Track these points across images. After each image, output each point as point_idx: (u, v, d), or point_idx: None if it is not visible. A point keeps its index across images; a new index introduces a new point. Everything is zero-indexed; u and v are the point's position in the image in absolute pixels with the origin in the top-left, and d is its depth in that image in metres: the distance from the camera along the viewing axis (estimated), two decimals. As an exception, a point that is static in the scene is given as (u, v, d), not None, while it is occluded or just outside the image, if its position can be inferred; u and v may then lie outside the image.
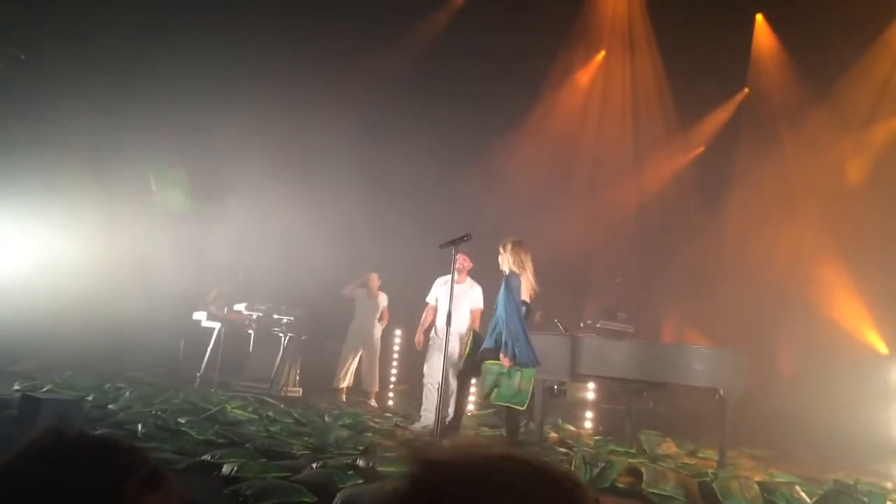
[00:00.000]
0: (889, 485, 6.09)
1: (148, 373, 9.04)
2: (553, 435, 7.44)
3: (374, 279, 9.36)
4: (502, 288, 6.18)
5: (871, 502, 4.87)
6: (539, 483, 0.74)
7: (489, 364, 6.06)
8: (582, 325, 9.03)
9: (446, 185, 11.01)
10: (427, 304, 7.73)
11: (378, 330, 9.33)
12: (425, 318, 7.73)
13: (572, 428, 8.20)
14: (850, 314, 10.17)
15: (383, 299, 9.36)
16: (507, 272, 6.26)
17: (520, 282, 6.18)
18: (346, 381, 9.13)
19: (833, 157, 10.73)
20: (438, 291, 7.59)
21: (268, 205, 10.04)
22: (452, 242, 5.89)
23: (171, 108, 9.70)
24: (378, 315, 9.30)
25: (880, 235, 9.40)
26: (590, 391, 8.84)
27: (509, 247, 6.33)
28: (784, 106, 11.40)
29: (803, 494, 5.01)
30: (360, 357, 9.23)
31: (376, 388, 9.23)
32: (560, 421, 8.24)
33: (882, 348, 9.87)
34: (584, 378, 8.03)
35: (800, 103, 11.03)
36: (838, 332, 10.07)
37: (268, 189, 9.79)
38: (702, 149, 12.48)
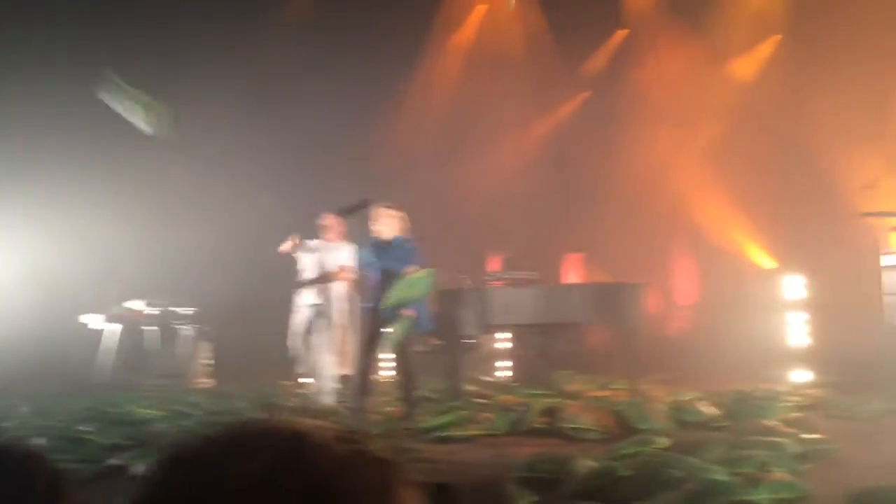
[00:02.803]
0: (783, 388, 6.50)
1: (45, 383, 8.58)
2: (471, 388, 7.54)
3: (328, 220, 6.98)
4: (405, 252, 6.06)
5: (768, 405, 5.17)
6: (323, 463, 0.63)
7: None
8: (488, 277, 9.14)
9: (339, 142, 10.86)
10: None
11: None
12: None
13: (489, 379, 8.34)
14: (739, 237, 10.74)
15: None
16: (402, 237, 6.10)
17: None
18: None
19: (710, 85, 11.15)
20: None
21: (154, 194, 9.64)
22: (352, 208, 5.78)
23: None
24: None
25: (763, 157, 9.91)
26: (503, 341, 8.99)
27: (402, 212, 6.15)
28: (662, 41, 11.78)
29: (708, 407, 5.29)
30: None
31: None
32: (477, 373, 8.36)
33: (770, 263, 10.45)
34: (497, 329, 8.16)
35: (675, 36, 11.41)
36: (729, 254, 10.62)
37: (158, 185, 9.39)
38: (588, 93, 12.75)
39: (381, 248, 6.04)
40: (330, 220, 6.89)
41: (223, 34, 9.93)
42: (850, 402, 5.45)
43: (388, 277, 5.88)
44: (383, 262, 5.98)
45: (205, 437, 0.65)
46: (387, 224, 6.07)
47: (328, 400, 6.63)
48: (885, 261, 7.02)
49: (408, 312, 5.80)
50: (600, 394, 6.85)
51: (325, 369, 6.76)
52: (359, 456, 0.63)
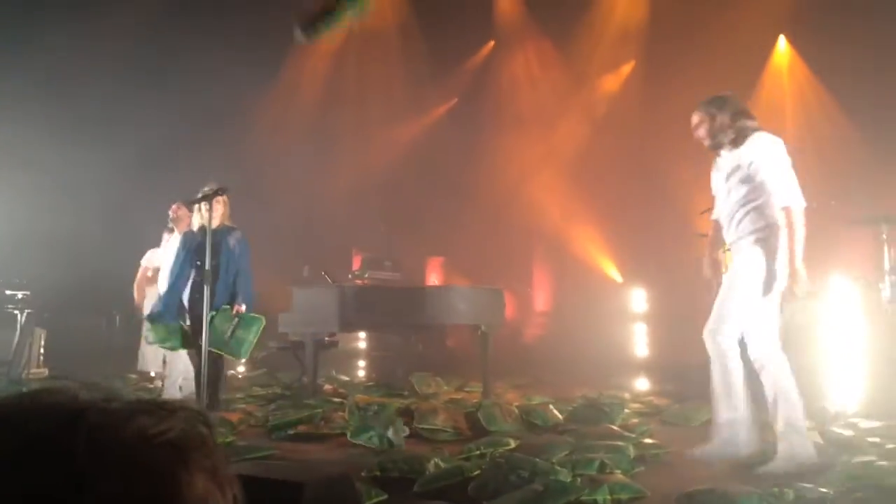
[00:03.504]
0: (627, 395, 6.87)
1: None
2: (328, 387, 7.46)
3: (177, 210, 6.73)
4: (238, 242, 5.79)
5: (612, 411, 5.45)
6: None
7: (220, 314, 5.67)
8: (350, 276, 9.08)
9: (196, 139, 10.39)
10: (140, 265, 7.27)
11: None
12: (140, 280, 7.28)
13: (346, 378, 8.28)
14: (593, 249, 11.26)
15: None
16: (229, 225, 5.82)
17: None
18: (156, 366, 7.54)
19: (572, 102, 11.64)
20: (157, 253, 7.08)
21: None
22: (205, 197, 5.46)
23: None
24: None
25: (618, 176, 10.43)
26: (361, 340, 8.96)
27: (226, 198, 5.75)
28: (527, 54, 12.17)
29: (556, 412, 5.50)
30: None
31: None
32: (334, 372, 8.28)
33: (618, 277, 11.04)
34: (355, 328, 8.11)
35: (541, 50, 11.83)
36: (583, 266, 11.13)
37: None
38: (455, 99, 12.97)
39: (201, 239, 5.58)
40: (181, 212, 6.58)
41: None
42: (684, 409, 5.82)
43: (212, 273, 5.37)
44: (201, 255, 5.50)
45: None
46: (220, 211, 5.70)
47: (177, 395, 6.34)
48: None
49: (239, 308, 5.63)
50: (455, 396, 6.96)
51: (175, 365, 6.47)
52: (139, 441, 0.57)
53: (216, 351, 5.46)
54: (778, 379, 3.94)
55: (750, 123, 4.05)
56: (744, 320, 4.00)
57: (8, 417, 0.57)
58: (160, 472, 0.57)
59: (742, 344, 4.02)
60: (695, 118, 4.23)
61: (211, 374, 5.42)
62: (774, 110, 10.66)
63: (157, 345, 5.90)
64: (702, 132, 4.18)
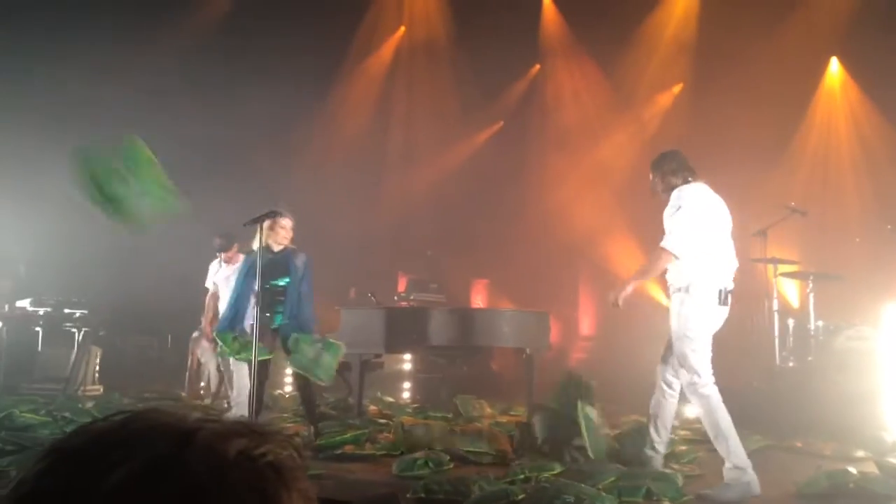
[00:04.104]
0: (675, 421, 6.75)
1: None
2: (373, 408, 7.50)
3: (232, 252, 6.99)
4: (303, 264, 5.83)
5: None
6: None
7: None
8: (396, 297, 9.15)
9: (247, 163, 10.64)
10: (208, 289, 7.40)
11: None
12: (208, 306, 7.37)
13: (391, 399, 8.31)
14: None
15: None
16: (294, 248, 5.86)
17: None
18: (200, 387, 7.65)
19: (619, 125, 11.60)
20: (216, 277, 7.26)
21: (50, 190, 9.16)
22: (257, 220, 5.59)
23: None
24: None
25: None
26: (406, 362, 8.99)
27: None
28: (570, 80, 12.18)
29: (608, 431, 5.40)
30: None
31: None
32: (379, 393, 8.32)
33: (664, 300, 10.88)
34: (400, 349, 8.16)
35: (585, 77, 11.83)
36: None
37: (47, 172, 8.93)
38: (501, 123, 13.03)
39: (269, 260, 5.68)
40: (233, 251, 6.88)
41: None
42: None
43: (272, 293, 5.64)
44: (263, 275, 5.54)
45: (89, 430, 0.64)
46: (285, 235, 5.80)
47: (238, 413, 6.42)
48: (775, 304, 7.45)
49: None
50: (500, 418, 6.94)
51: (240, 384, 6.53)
52: (244, 460, 0.61)
53: (302, 373, 5.61)
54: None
55: (674, 180, 4.56)
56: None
57: (126, 439, 0.61)
58: (266, 491, 0.61)
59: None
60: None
61: (305, 396, 5.80)
62: (829, 132, 10.50)
63: (234, 356, 5.92)
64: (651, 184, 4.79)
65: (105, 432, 0.63)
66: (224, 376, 6.95)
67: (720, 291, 4.30)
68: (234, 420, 0.67)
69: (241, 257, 6.52)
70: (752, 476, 3.97)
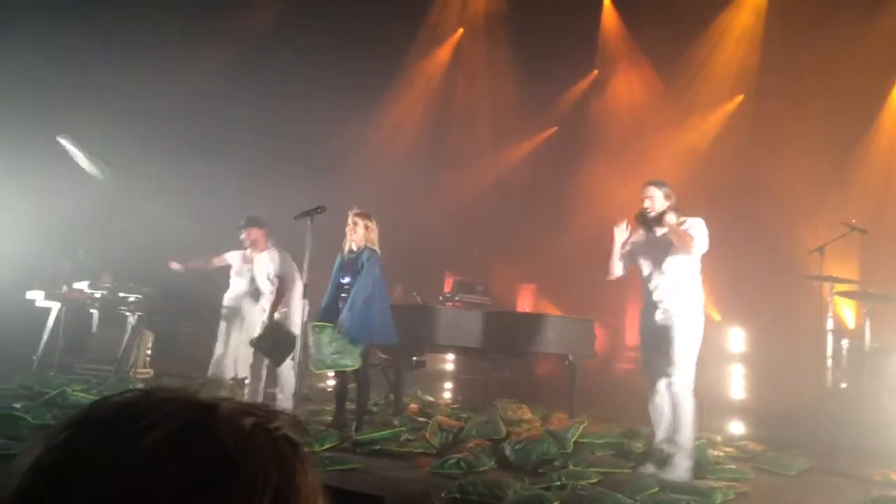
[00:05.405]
0: (719, 438, 6.63)
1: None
2: (413, 406, 7.53)
3: (253, 234, 7.00)
4: (366, 261, 5.79)
5: (700, 453, 5.27)
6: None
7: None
8: (441, 298, 9.17)
9: (300, 157, 10.80)
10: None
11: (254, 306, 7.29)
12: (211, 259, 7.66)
13: (431, 398, 8.34)
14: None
15: (264, 261, 7.04)
16: (371, 248, 5.87)
17: None
18: (230, 372, 7.63)
19: (675, 137, 11.41)
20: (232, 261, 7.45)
21: (113, 175, 9.45)
22: (307, 213, 5.69)
23: None
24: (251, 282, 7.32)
25: (717, 209, 10.12)
26: (449, 362, 9.01)
27: (375, 222, 5.97)
28: (628, 88, 12.04)
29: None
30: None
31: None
32: (419, 392, 8.35)
33: (716, 316, 10.67)
34: (443, 349, 8.18)
35: (643, 84, 11.67)
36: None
37: (113, 158, 9.20)
38: (555, 128, 12.95)
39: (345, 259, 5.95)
40: (255, 234, 6.97)
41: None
42: (780, 456, 5.58)
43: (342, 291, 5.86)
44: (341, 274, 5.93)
45: (109, 403, 0.67)
46: (361, 234, 5.90)
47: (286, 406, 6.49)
48: (829, 324, 7.22)
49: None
50: (540, 424, 6.89)
51: (285, 377, 6.62)
52: (262, 432, 0.65)
53: (330, 370, 5.92)
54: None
55: (678, 208, 5.50)
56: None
57: (151, 408, 0.65)
58: (285, 459, 0.66)
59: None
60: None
61: (357, 388, 5.97)
62: (892, 150, 10.17)
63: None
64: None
65: (128, 403, 0.66)
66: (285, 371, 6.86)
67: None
68: (240, 401, 0.70)
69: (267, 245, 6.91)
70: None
